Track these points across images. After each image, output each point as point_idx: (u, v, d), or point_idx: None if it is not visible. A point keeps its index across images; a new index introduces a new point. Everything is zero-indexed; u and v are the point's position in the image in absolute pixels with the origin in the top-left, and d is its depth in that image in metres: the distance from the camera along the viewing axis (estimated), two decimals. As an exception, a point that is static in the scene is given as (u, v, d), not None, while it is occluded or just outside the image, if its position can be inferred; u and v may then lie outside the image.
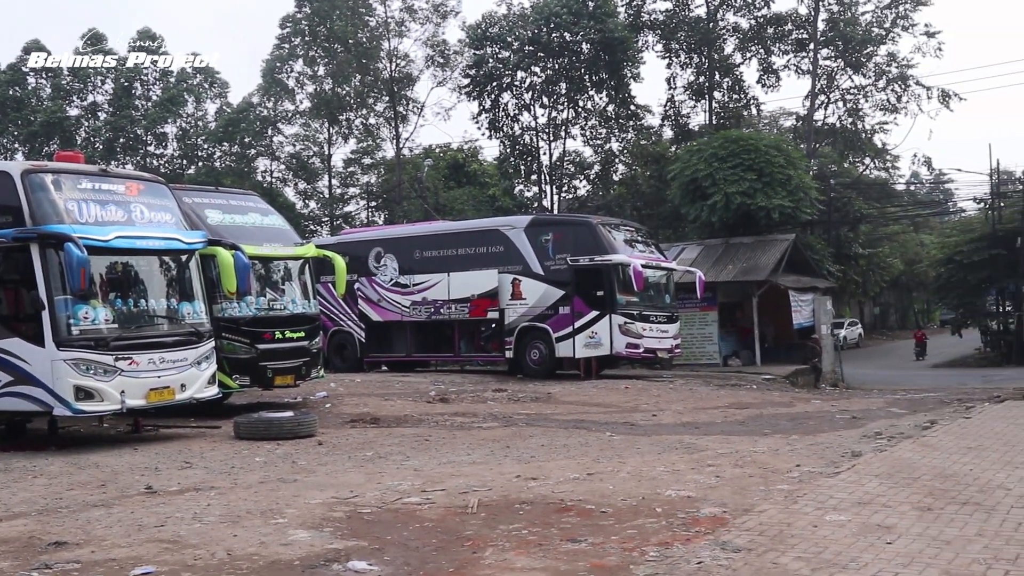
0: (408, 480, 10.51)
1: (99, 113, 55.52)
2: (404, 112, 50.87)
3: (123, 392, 13.39)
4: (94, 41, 54.10)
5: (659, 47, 46.68)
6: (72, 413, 13.28)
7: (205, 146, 55.06)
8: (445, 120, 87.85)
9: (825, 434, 14.17)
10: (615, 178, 49.11)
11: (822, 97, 45.88)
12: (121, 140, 54.58)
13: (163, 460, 12.43)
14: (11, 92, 53.71)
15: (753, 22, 45.81)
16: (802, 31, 45.43)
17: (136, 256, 14.31)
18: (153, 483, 10.70)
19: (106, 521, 8.81)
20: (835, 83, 46.06)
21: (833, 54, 45.20)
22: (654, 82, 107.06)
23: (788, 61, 46.11)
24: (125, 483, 10.84)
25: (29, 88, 55.09)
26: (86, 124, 55.30)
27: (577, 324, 23.25)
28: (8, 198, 13.47)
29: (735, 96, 46.92)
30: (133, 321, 14.06)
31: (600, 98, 46.70)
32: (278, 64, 50.75)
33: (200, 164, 54.42)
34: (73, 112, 54.96)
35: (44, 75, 55.28)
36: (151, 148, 55.44)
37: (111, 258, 13.96)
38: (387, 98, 50.60)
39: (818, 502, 8.64)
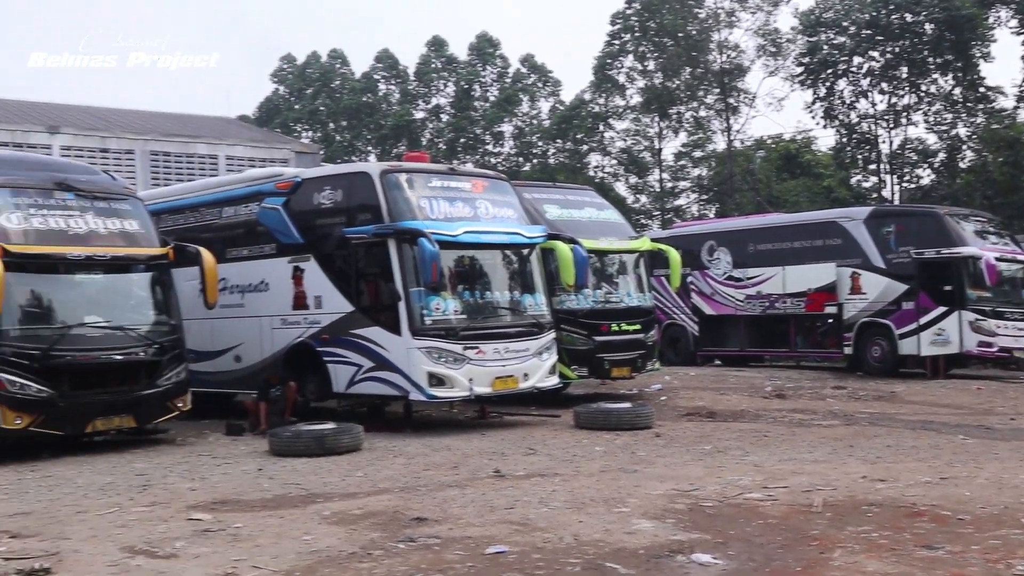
0: (748, 475, 10.38)
1: (441, 115, 58.56)
2: (735, 103, 50.19)
3: (471, 380, 14.07)
4: (436, 46, 57.19)
5: (1013, 23, 43.29)
6: (426, 398, 14.11)
7: (539, 143, 56.77)
8: (777, 110, 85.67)
9: None
10: (962, 166, 46.09)
11: None
12: (462, 140, 57.31)
13: (508, 446, 12.96)
14: (364, 99, 57.70)
15: None
16: None
17: (482, 250, 15.01)
18: (500, 467, 11.17)
19: (460, 501, 9.30)
20: None
21: None
22: (1007, 61, 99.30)
23: None
24: (475, 466, 11.39)
25: (380, 95, 58.97)
26: (430, 126, 58.49)
27: (922, 320, 22.03)
28: (368, 197, 14.49)
29: (1104, 72, 42.74)
30: (479, 312, 14.77)
31: (945, 81, 43.96)
32: (608, 60, 51.46)
33: (535, 161, 56.16)
34: (419, 115, 58.28)
35: (393, 82, 59.04)
36: (489, 147, 57.85)
37: (459, 252, 14.69)
38: (717, 90, 50.11)
39: None
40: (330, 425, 12.91)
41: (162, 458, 12.54)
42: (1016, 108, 43.79)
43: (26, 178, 13.34)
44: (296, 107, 58.32)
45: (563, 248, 15.88)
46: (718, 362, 26.48)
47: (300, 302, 15.31)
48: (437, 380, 13.91)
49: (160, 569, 7.08)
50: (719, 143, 52.53)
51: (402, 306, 13.92)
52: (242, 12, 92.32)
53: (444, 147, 56.35)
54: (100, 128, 29.85)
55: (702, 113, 52.18)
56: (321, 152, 40.31)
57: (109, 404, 13.05)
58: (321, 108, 57.90)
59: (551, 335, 15.39)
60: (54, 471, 11.61)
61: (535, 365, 14.94)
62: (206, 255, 14.33)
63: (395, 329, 14.01)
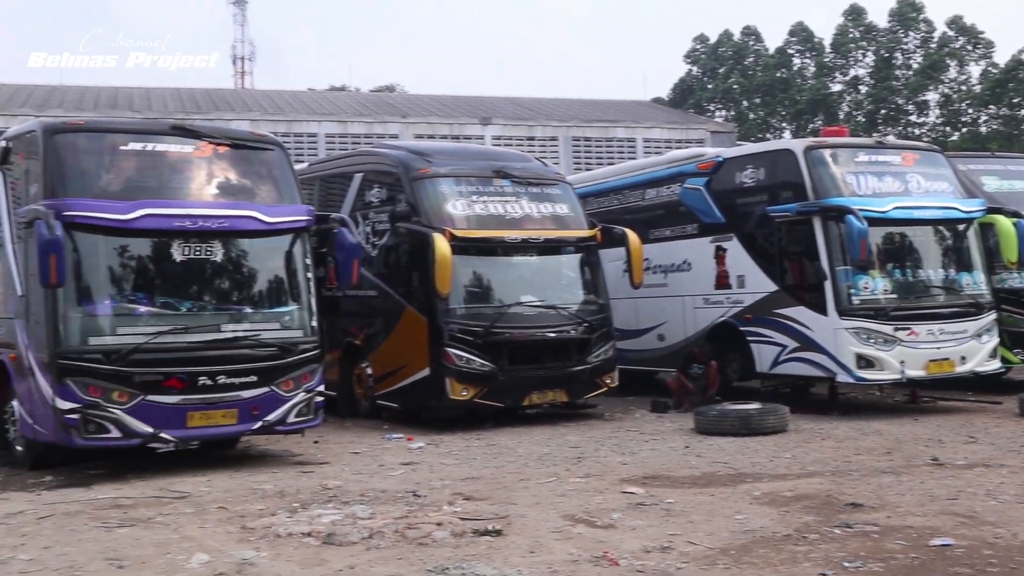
0: None
1: (860, 86, 56.20)
2: None
3: (903, 362, 13.50)
4: (853, 15, 54.94)
5: None
6: (853, 380, 13.70)
7: (969, 111, 52.99)
8: None
9: None
10: None
11: None
12: (882, 111, 54.70)
13: (945, 432, 12.26)
14: (778, 74, 56.61)
15: None
16: None
17: (913, 226, 14.32)
18: (938, 455, 10.59)
19: (896, 488, 8.94)
20: None
21: None
22: None
23: None
24: (910, 452, 10.89)
25: (794, 69, 57.60)
26: (848, 98, 56.33)
27: None
28: (792, 174, 14.28)
29: None
30: (910, 292, 14.14)
31: None
32: (1051, 16, 47.01)
33: (964, 130, 52.50)
34: (835, 88, 56.31)
35: (808, 55, 57.49)
36: (912, 117, 54.80)
37: (888, 229, 14.15)
38: None
39: None
40: (755, 405, 12.88)
41: (592, 432, 13.07)
42: None
43: (468, 167, 14.36)
44: (709, 87, 58.36)
45: (1005, 222, 14.76)
46: None
47: (722, 281, 15.37)
48: (866, 362, 13.49)
49: (599, 538, 7.39)
50: None
51: (828, 285, 13.62)
52: None
53: (863, 119, 54.05)
54: (527, 117, 31.56)
55: None
56: (736, 131, 40.03)
57: (544, 379, 13.79)
58: (734, 86, 57.49)
59: (991, 316, 14.40)
60: (496, 440, 12.46)
61: (973, 348, 14.05)
62: (632, 236, 14.73)
63: (821, 309, 13.72)
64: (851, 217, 13.15)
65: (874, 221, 13.45)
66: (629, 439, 12.41)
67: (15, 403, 10.97)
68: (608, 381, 14.38)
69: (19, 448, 11.19)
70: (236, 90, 44.65)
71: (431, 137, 28.40)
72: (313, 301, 11.43)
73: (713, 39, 59.24)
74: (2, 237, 11.23)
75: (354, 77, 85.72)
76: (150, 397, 10.16)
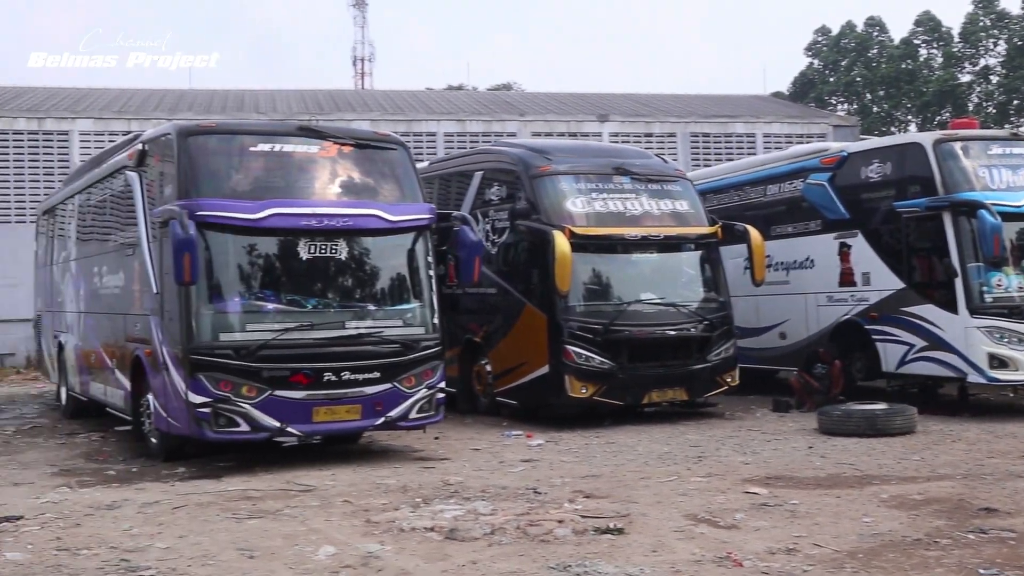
0: None
1: (990, 77, 54.36)
2: None
3: (1038, 362, 13.05)
4: (984, 2, 53.12)
5: None
6: (986, 381, 13.29)
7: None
8: None
9: None
10: None
11: None
12: (1015, 102, 52.82)
13: (1085, 436, 11.82)
14: (903, 66, 55.11)
15: None
16: None
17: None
18: (1078, 459, 10.22)
19: (1034, 493, 8.66)
20: None
21: None
22: None
23: None
24: (1047, 456, 10.54)
25: (920, 60, 56.01)
26: (977, 89, 54.54)
27: None
28: (919, 168, 13.91)
29: None
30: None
31: None
32: None
33: (1102, 120, 50.43)
34: (964, 79, 54.57)
35: (935, 45, 55.85)
36: (1046, 108, 52.80)
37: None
38: None
39: None
40: (881, 405, 12.58)
41: (713, 431, 12.94)
42: None
43: (587, 165, 14.36)
44: (831, 80, 57.13)
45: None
46: None
47: (847, 279, 15.04)
48: (999, 362, 13.08)
49: (723, 539, 7.31)
50: None
51: (959, 283, 13.24)
52: None
53: (993, 111, 52.26)
54: (644, 114, 31.33)
55: None
56: (859, 125, 39.07)
57: (663, 377, 13.71)
58: (857, 79, 56.16)
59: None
60: (616, 438, 12.42)
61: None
62: (753, 233, 14.53)
63: (950, 307, 13.35)
64: (984, 212, 12.77)
65: (1008, 216, 13.05)
66: (751, 438, 12.25)
67: (150, 397, 11.39)
68: (728, 380, 14.22)
69: (154, 440, 11.62)
70: (357, 91, 45.38)
71: (549, 135, 28.39)
72: (435, 298, 11.55)
73: (835, 31, 57.98)
74: (139, 236, 11.63)
75: (471, 76, 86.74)
76: (277, 392, 10.42)
